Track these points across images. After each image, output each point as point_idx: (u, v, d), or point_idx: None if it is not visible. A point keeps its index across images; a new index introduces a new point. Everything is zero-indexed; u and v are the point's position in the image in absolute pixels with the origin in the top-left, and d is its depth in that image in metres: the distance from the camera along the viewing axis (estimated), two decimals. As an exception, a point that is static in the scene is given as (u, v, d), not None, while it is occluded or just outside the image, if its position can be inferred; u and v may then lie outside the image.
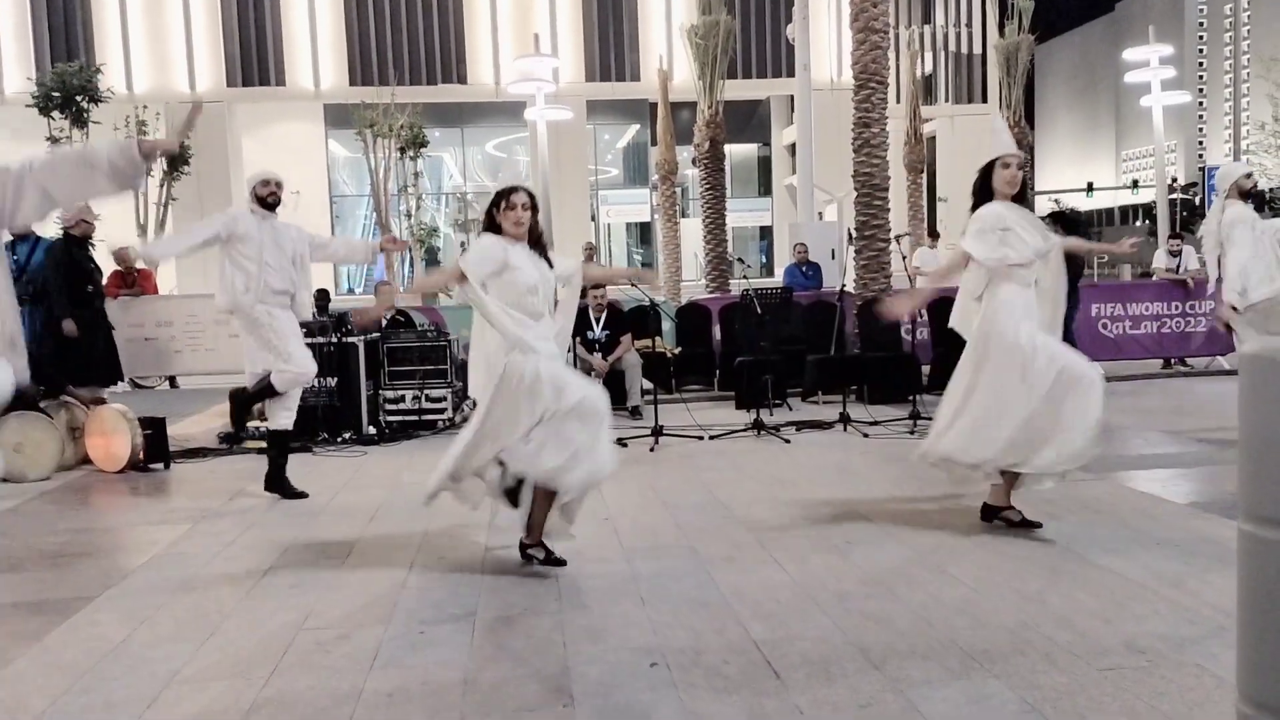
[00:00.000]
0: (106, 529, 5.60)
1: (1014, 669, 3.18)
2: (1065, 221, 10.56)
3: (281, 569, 4.60)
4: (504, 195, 4.47)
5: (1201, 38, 49.71)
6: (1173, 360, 11.43)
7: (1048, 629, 3.51)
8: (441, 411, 8.64)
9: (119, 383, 8.79)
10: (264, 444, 6.61)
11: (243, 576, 4.49)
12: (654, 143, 23.80)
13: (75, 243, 8.30)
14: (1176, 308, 11.17)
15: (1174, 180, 23.02)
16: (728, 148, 18.90)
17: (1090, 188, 39.26)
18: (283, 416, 6.16)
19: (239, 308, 6.00)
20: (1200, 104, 48.75)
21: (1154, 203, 21.09)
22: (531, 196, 4.50)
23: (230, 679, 3.33)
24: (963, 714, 2.90)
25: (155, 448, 7.17)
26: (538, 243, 4.51)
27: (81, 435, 7.27)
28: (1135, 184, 40.62)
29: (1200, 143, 49.89)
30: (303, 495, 6.13)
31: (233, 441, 7.90)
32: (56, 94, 17.42)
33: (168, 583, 4.44)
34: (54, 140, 17.39)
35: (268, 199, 6.06)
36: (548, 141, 18.17)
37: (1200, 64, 49.76)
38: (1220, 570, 4.07)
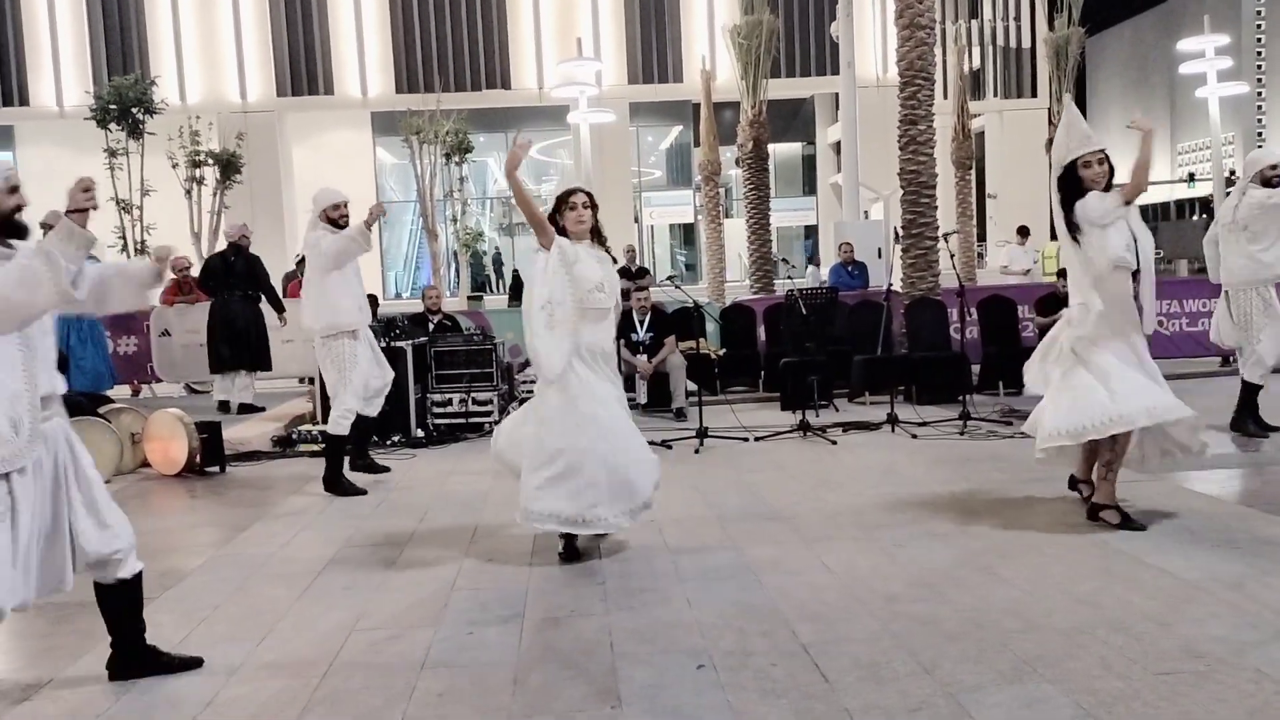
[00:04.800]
0: (164, 531, 5.72)
1: (1068, 673, 3.14)
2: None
3: (334, 570, 4.67)
4: (563, 198, 4.71)
5: (1260, 26, 48.50)
6: (1231, 358, 11.17)
7: (1102, 632, 3.46)
8: (488, 414, 8.70)
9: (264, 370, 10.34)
10: (317, 448, 7.29)
11: (296, 578, 4.56)
12: (697, 143, 23.75)
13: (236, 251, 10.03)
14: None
15: (1232, 173, 22.48)
16: (771, 147, 18.79)
17: (1143, 182, 38.47)
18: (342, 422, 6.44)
19: (346, 327, 6.34)
20: (1259, 94, 47.57)
21: (1211, 196, 20.62)
22: (589, 195, 4.73)
23: (286, 679, 3.39)
24: (1016, 719, 2.86)
25: (211, 451, 7.31)
26: (598, 239, 4.72)
27: (140, 440, 7.43)
28: (1191, 178, 39.78)
29: (1259, 134, 48.74)
30: (362, 492, 6.35)
31: (286, 445, 8.04)
32: (113, 107, 17.76)
33: (224, 584, 4.52)
34: (112, 153, 17.75)
35: (340, 221, 6.28)
36: (591, 144, 18.22)
37: (1259, 53, 48.55)
38: (1281, 572, 3.99)
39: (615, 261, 4.80)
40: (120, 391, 10.30)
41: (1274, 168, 6.94)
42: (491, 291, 26.80)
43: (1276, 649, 3.24)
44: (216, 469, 7.30)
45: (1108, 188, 4.90)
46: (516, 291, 19.32)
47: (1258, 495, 5.49)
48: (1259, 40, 48.57)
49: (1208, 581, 3.93)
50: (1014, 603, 3.81)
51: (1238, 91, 22.16)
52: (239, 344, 9.91)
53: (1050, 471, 6.12)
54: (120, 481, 7.09)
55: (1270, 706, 2.85)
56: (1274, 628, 3.43)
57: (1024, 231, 16.77)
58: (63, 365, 8.22)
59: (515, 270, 21.49)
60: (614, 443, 4.53)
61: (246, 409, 9.91)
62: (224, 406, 9.94)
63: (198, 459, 7.22)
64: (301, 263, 12.17)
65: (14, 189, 3.19)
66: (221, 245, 19.76)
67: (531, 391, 8.75)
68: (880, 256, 14.33)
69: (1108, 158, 4.94)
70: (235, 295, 9.69)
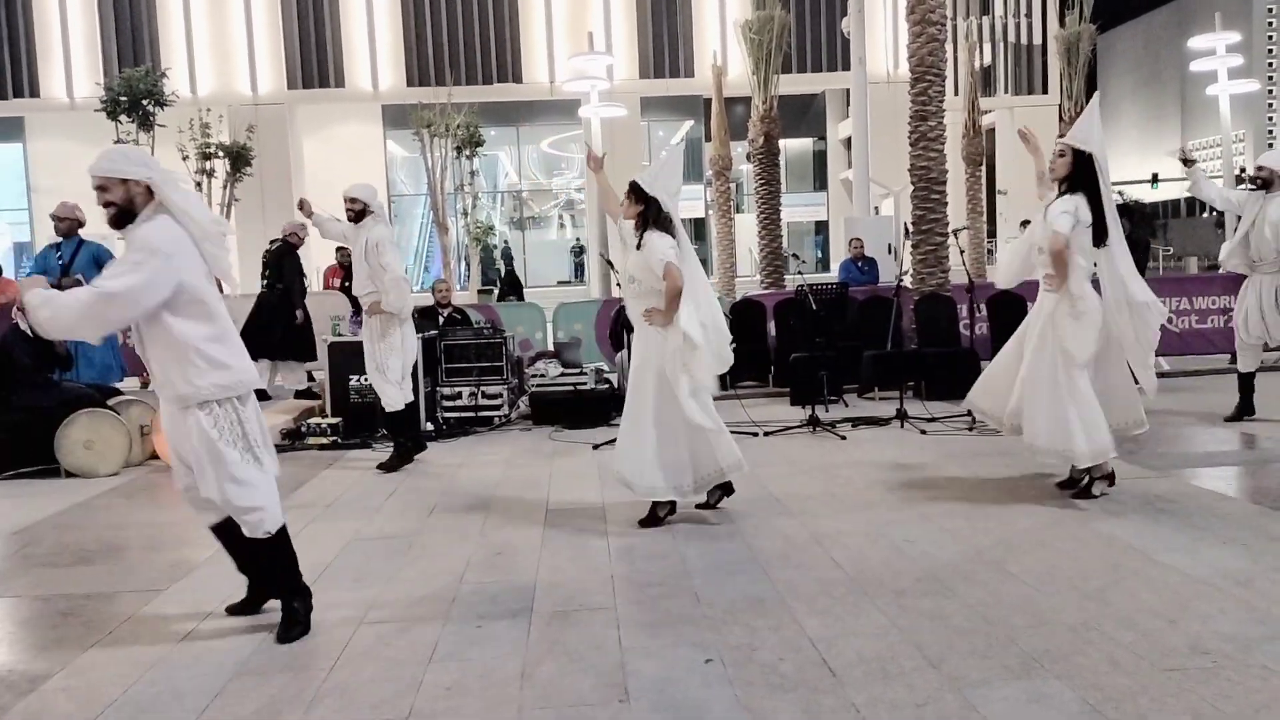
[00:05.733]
0: (173, 523, 5.75)
1: (1075, 669, 3.13)
2: (1130, 214, 10.34)
3: (343, 563, 4.69)
4: None
5: (1271, 24, 48.27)
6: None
7: (1110, 628, 3.45)
8: (497, 408, 8.71)
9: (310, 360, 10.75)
10: (326, 441, 7.94)
11: (305, 570, 4.55)
12: (708, 138, 23.71)
13: (294, 249, 10.54)
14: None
15: (1242, 170, 22.40)
16: (782, 142, 18.74)
17: (1155, 179, 38.35)
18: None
19: None
20: (1270, 92, 47.35)
21: (1222, 194, 20.46)
22: (630, 186, 5.19)
23: (293, 671, 3.40)
24: (1022, 714, 2.86)
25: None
26: (641, 226, 5.16)
27: (149, 432, 7.46)
28: (1202, 175, 39.67)
29: (1270, 132, 48.54)
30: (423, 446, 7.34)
31: (295, 438, 8.06)
32: (124, 98, 17.80)
33: (233, 576, 4.52)
34: (122, 144, 17.83)
35: (347, 213, 7.03)
36: (602, 139, 18.21)
37: (1270, 50, 48.32)
38: (1290, 570, 3.97)
39: (639, 246, 5.14)
40: (130, 384, 10.31)
41: (1257, 168, 7.43)
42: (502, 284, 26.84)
43: (1286, 647, 3.23)
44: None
45: (1065, 179, 5.24)
46: (512, 287, 19.35)
47: (1266, 492, 5.47)
48: (1270, 38, 48.31)
49: (1215, 578, 3.93)
50: (1022, 598, 3.80)
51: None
52: (263, 335, 10.26)
53: (1060, 467, 6.12)
54: (129, 474, 7.13)
55: (1277, 703, 2.84)
56: (1283, 625, 3.42)
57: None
58: (71, 359, 8.34)
59: (509, 268, 21.43)
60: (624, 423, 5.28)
61: (261, 395, 10.17)
62: (302, 394, 10.25)
63: (207, 451, 7.24)
64: (339, 250, 12.54)
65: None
66: (231, 238, 19.96)
67: (539, 385, 8.81)
68: (890, 252, 14.30)
69: (1068, 151, 5.23)
70: (273, 288, 10.36)
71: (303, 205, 7.36)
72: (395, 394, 7.03)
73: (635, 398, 5.18)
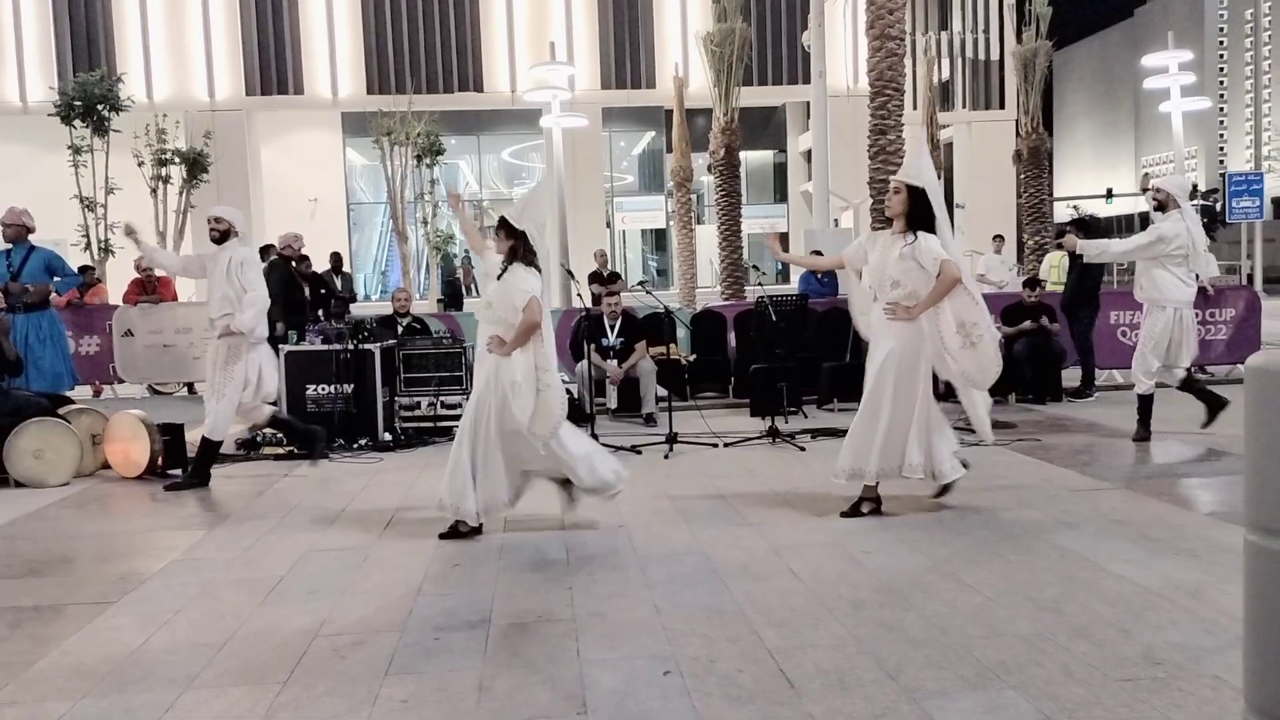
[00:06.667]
0: (125, 534, 5.64)
1: (1030, 679, 3.16)
2: (1085, 228, 10.52)
3: (298, 575, 4.63)
4: None
5: (1222, 43, 49.40)
6: (1192, 368, 11.32)
7: (1064, 639, 3.49)
8: (457, 418, 8.64)
9: None
10: (280, 450, 7.83)
11: (259, 582, 4.52)
12: (669, 149, 23.84)
13: (288, 261, 10.45)
14: (1196, 315, 11.03)
15: (1195, 187, 22.93)
16: (743, 154, 18.92)
17: (1109, 194, 39.05)
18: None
19: None
20: (1221, 109, 48.46)
21: (1173, 209, 20.96)
22: (501, 221, 5.30)
23: (247, 685, 3.35)
24: (978, 724, 2.88)
25: (173, 454, 7.22)
26: (512, 258, 5.22)
27: (101, 441, 7.33)
28: (1154, 191, 40.40)
29: (1221, 149, 49.63)
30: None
31: (251, 448, 7.96)
32: (78, 103, 17.52)
33: (185, 588, 4.47)
34: (76, 150, 17.52)
35: (211, 233, 6.85)
36: (563, 149, 18.22)
37: (1221, 69, 49.46)
38: (1239, 580, 4.02)
39: (500, 276, 5.23)
40: (82, 392, 10.16)
41: (1155, 190, 7.62)
42: (465, 294, 26.70)
43: (1234, 655, 3.27)
44: (178, 472, 7.20)
45: (907, 218, 5.45)
46: (453, 299, 19.25)
47: (1216, 504, 5.57)
48: (1221, 57, 49.39)
49: (1167, 589, 3.99)
50: (978, 609, 3.84)
51: (1200, 107, 22.57)
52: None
53: (1016, 479, 6.20)
54: (80, 484, 6.99)
55: (1228, 712, 2.89)
56: (1231, 634, 3.47)
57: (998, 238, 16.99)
58: (21, 365, 8.17)
59: (451, 278, 21.33)
60: None
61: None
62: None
63: (159, 462, 7.13)
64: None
65: None
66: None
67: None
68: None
69: (903, 188, 5.49)
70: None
71: (129, 231, 7.04)
72: (223, 422, 6.73)
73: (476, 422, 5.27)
